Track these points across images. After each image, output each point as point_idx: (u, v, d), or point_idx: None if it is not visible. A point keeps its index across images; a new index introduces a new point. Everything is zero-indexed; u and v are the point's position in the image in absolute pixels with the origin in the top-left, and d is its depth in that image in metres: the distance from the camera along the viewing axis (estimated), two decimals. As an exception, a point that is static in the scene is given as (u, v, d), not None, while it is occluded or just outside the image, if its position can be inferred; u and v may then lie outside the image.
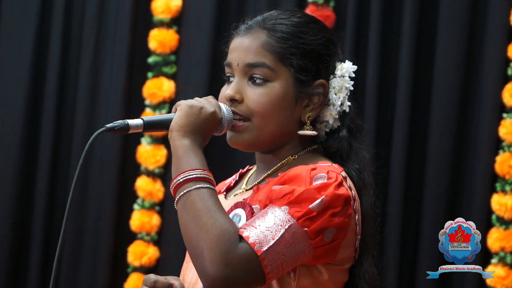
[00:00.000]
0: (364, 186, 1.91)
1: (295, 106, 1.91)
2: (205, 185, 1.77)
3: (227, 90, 1.93)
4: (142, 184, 4.49)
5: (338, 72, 1.95)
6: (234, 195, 1.98)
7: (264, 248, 1.71)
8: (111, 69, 4.58)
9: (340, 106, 1.94)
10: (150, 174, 4.49)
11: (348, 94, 1.96)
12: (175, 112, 1.87)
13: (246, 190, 1.96)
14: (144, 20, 4.57)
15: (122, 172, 4.53)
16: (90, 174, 4.53)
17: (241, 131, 1.91)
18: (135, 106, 4.54)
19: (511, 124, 4.01)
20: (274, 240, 1.72)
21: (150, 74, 4.53)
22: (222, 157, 4.19)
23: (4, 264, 4.54)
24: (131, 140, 4.49)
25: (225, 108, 1.90)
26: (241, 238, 1.72)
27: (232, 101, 1.91)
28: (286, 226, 1.73)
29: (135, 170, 4.52)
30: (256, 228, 1.73)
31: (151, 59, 4.52)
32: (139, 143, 4.51)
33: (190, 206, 1.76)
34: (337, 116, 1.94)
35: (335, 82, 1.95)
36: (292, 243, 1.73)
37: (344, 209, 1.79)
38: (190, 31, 4.54)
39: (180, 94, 4.50)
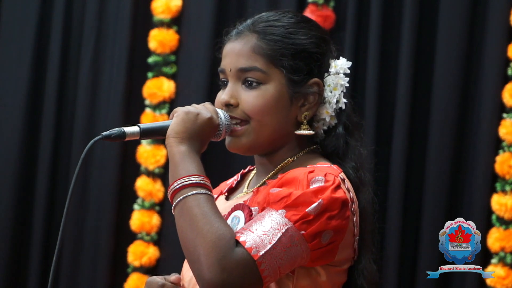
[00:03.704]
0: (361, 184, 1.91)
1: (291, 106, 1.91)
2: (202, 191, 1.78)
3: (222, 96, 1.94)
4: (142, 184, 4.49)
5: (332, 70, 1.96)
6: (236, 198, 1.98)
7: (261, 253, 1.71)
8: (111, 69, 4.57)
9: (336, 104, 1.94)
10: (150, 174, 4.49)
11: (344, 91, 1.96)
12: (172, 119, 1.88)
13: (247, 193, 1.96)
14: (144, 20, 4.57)
15: (122, 172, 4.53)
16: (90, 174, 4.53)
17: (239, 135, 1.92)
18: (135, 106, 4.53)
19: (511, 124, 4.01)
20: (271, 244, 1.72)
21: (150, 74, 4.53)
22: (221, 160, 4.19)
23: (4, 264, 4.54)
24: (132, 140, 4.48)
25: (222, 114, 1.91)
26: (237, 243, 1.72)
27: (227, 106, 1.92)
28: (283, 230, 1.74)
29: (135, 170, 4.52)
30: (253, 232, 1.73)
31: (151, 59, 4.52)
32: (139, 143, 4.50)
33: (187, 212, 1.76)
34: (333, 114, 1.95)
35: (329, 80, 1.95)
36: (289, 246, 1.74)
37: (341, 212, 1.79)
38: (190, 31, 4.54)
39: (180, 94, 4.50)
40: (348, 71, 1.96)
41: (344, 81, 1.95)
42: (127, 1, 4.55)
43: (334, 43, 2.00)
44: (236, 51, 1.93)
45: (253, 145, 1.92)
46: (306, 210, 1.75)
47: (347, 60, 1.98)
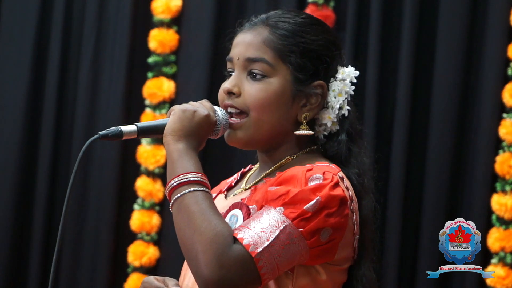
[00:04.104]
0: (363, 191, 1.91)
1: (292, 104, 1.91)
2: (199, 188, 1.78)
3: (225, 84, 1.94)
4: (142, 184, 4.49)
5: (339, 76, 1.95)
6: (234, 195, 1.98)
7: (259, 249, 1.71)
8: (111, 69, 4.58)
9: (339, 110, 1.94)
10: (150, 174, 4.50)
11: (349, 98, 1.95)
12: (169, 117, 1.88)
13: (245, 189, 1.97)
14: (144, 20, 4.57)
15: (122, 172, 4.53)
16: (90, 174, 4.53)
17: (237, 128, 1.92)
18: (135, 106, 4.54)
19: (511, 124, 4.01)
20: (269, 241, 1.72)
21: (150, 74, 4.53)
22: (221, 159, 4.19)
23: (4, 264, 4.54)
24: (131, 140, 4.48)
25: (220, 111, 1.91)
26: (235, 240, 1.72)
27: (229, 94, 1.92)
28: (281, 227, 1.74)
29: (135, 170, 4.52)
30: (250, 229, 1.73)
31: (151, 59, 4.52)
32: (139, 143, 4.51)
33: (184, 209, 1.77)
34: (335, 120, 1.94)
35: (335, 85, 1.95)
36: (287, 243, 1.73)
37: (340, 209, 1.79)
38: (190, 31, 4.54)
39: (180, 94, 4.50)
40: (355, 80, 1.96)
41: (350, 89, 1.95)
42: (127, 1, 4.55)
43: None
44: (247, 41, 1.93)
45: (251, 140, 1.92)
46: (304, 207, 1.75)
47: (350, 66, 1.98)
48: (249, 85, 1.91)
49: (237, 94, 1.92)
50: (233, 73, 1.95)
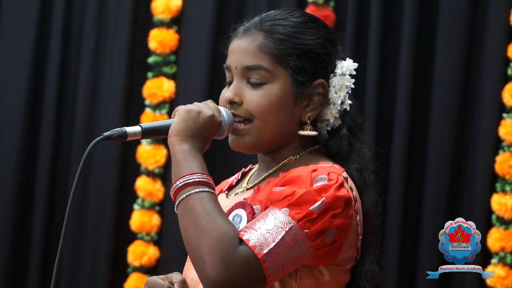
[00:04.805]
0: (365, 185, 1.91)
1: (295, 106, 1.91)
2: (205, 189, 1.78)
3: (226, 93, 1.93)
4: (142, 184, 4.49)
5: (338, 71, 1.95)
6: (235, 194, 1.98)
7: (265, 251, 1.71)
8: (111, 69, 4.57)
9: (340, 105, 1.94)
10: (150, 174, 4.49)
11: (349, 92, 1.95)
12: (173, 118, 1.88)
13: (247, 189, 1.97)
14: (144, 20, 4.57)
15: (122, 172, 4.53)
16: (90, 174, 4.53)
17: (242, 134, 1.91)
18: (135, 106, 4.53)
19: (511, 124, 4.01)
20: (275, 243, 1.72)
21: (150, 74, 4.52)
22: (222, 158, 4.19)
23: (4, 264, 4.54)
24: (132, 140, 4.48)
25: (225, 111, 1.90)
26: (241, 241, 1.72)
27: (231, 103, 1.92)
28: (287, 228, 1.74)
29: (135, 170, 4.52)
30: (256, 230, 1.73)
31: (151, 59, 4.52)
32: (139, 143, 4.50)
33: (190, 210, 1.76)
34: (337, 115, 1.94)
35: (335, 81, 1.94)
36: (292, 245, 1.74)
37: (345, 210, 1.79)
38: (190, 31, 4.54)
39: (180, 94, 4.50)
40: (354, 73, 1.96)
41: (350, 83, 1.95)
42: (127, 1, 4.55)
43: (340, 44, 2.00)
44: (242, 48, 1.93)
45: (256, 144, 1.92)
46: (310, 208, 1.75)
47: (348, 58, 1.97)
48: (250, 92, 1.91)
49: (239, 103, 1.91)
50: (231, 80, 1.94)
